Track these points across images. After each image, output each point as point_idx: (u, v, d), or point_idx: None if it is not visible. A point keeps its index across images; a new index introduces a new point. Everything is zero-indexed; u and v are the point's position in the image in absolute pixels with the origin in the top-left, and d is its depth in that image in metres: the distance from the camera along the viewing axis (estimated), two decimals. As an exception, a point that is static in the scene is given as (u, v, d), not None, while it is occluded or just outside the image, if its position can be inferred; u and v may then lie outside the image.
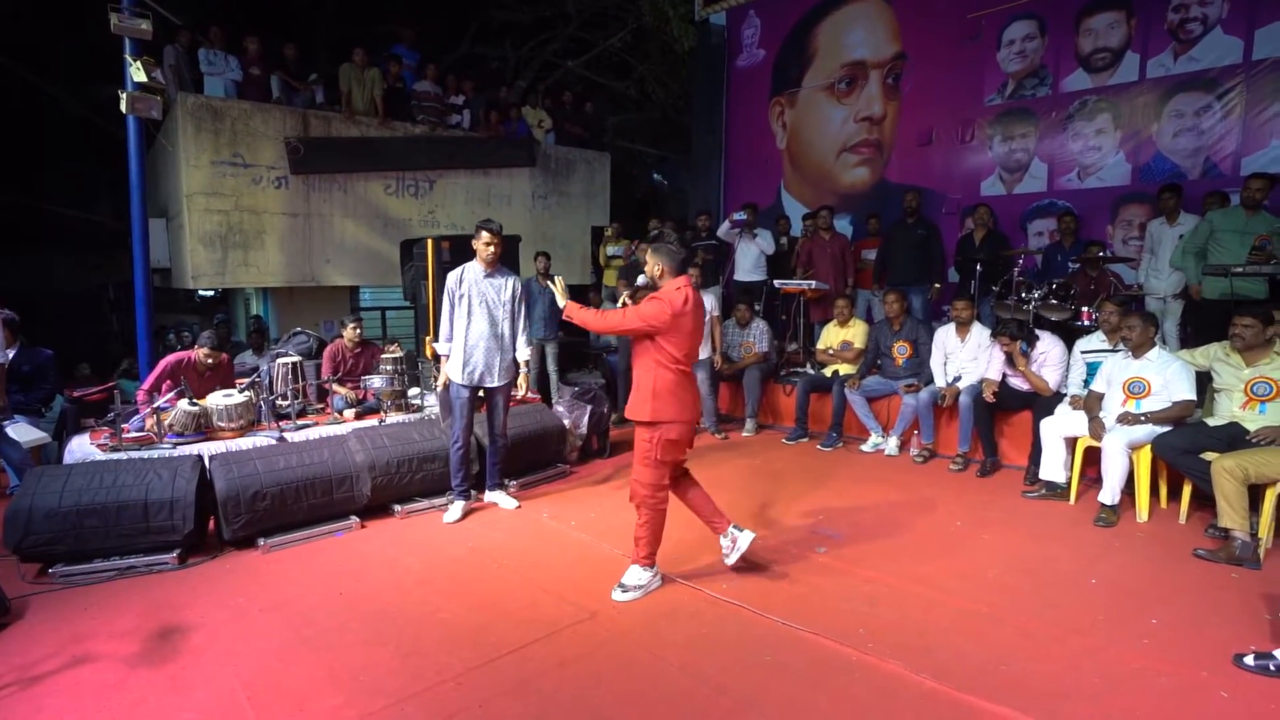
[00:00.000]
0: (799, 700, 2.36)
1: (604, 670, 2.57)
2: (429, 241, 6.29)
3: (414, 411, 5.28)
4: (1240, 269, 4.59)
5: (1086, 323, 5.20)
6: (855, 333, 6.00)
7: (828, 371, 6.04)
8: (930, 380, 5.38)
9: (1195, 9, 6.01)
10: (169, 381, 4.74)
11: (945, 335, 5.34)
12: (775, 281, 6.95)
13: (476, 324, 4.18)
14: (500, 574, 3.45)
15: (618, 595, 3.12)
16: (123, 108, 5.58)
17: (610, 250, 8.22)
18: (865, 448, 5.57)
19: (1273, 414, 3.66)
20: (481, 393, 4.29)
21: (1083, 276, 5.73)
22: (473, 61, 11.89)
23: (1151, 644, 2.68)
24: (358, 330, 5.79)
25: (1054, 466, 4.37)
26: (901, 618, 2.91)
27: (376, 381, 5.40)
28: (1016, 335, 4.76)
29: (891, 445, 5.45)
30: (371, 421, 4.94)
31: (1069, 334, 5.07)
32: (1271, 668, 2.41)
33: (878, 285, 6.88)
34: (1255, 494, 3.43)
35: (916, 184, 7.40)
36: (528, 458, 4.87)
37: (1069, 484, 4.35)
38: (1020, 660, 2.58)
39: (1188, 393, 3.93)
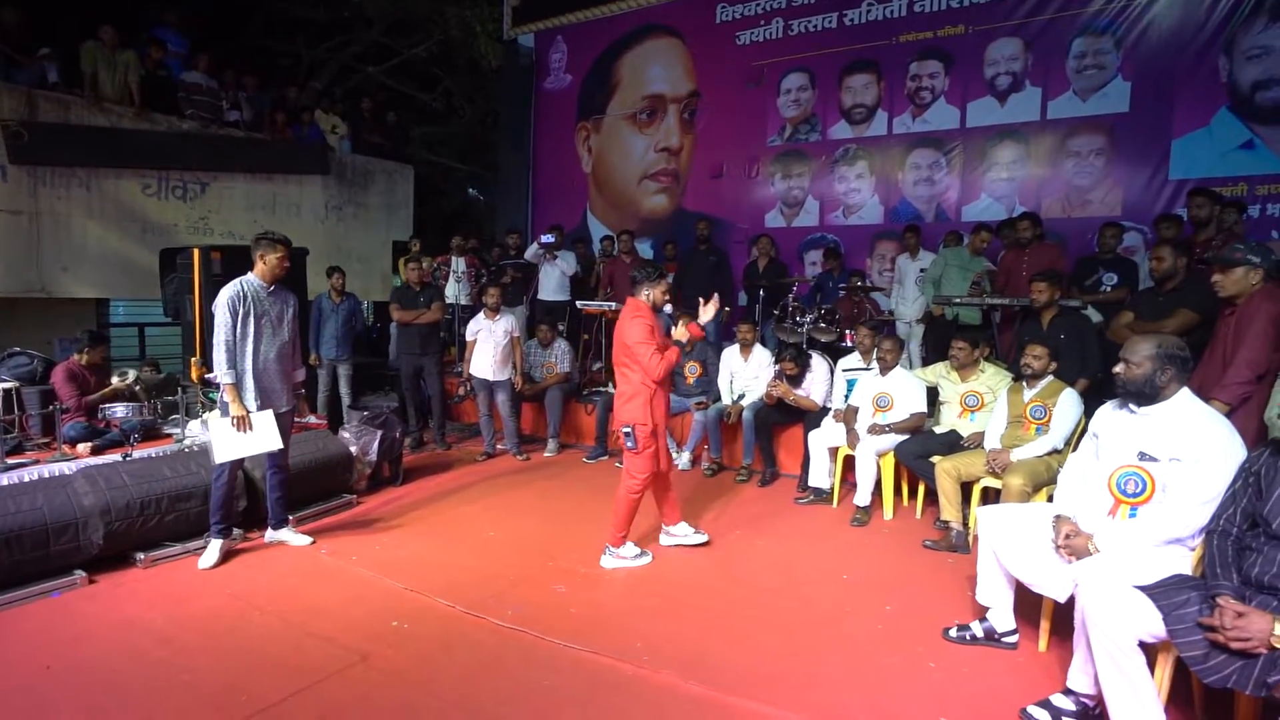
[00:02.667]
0: (573, 721, 2.38)
1: (372, 718, 2.41)
2: (195, 251, 5.62)
3: (169, 442, 4.65)
4: (959, 299, 5.46)
5: (850, 344, 5.87)
6: (652, 353, 6.25)
7: (628, 390, 6.23)
8: (718, 398, 5.76)
9: (926, 80, 7.10)
10: None
11: (730, 356, 5.76)
12: (578, 302, 7.07)
13: (265, 344, 3.78)
14: (263, 621, 3.12)
15: (608, 562, 3.74)
16: None
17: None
18: (662, 463, 5.81)
19: (980, 422, 4.37)
20: None
21: (846, 302, 6.48)
22: (256, 55, 10.85)
23: (885, 629, 3.05)
24: (102, 354, 5.03)
25: (820, 474, 4.86)
26: (679, 629, 3.05)
27: (120, 410, 4.68)
28: (795, 359, 5.24)
29: (684, 460, 5.74)
30: (114, 457, 4.28)
31: (835, 354, 5.70)
32: (968, 637, 2.86)
33: (673, 308, 7.24)
34: (967, 491, 4.07)
35: (709, 213, 7.95)
36: (308, 488, 4.48)
37: (832, 489, 4.86)
38: (779, 658, 2.81)
39: (920, 405, 4.58)
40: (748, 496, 5.05)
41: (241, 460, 3.83)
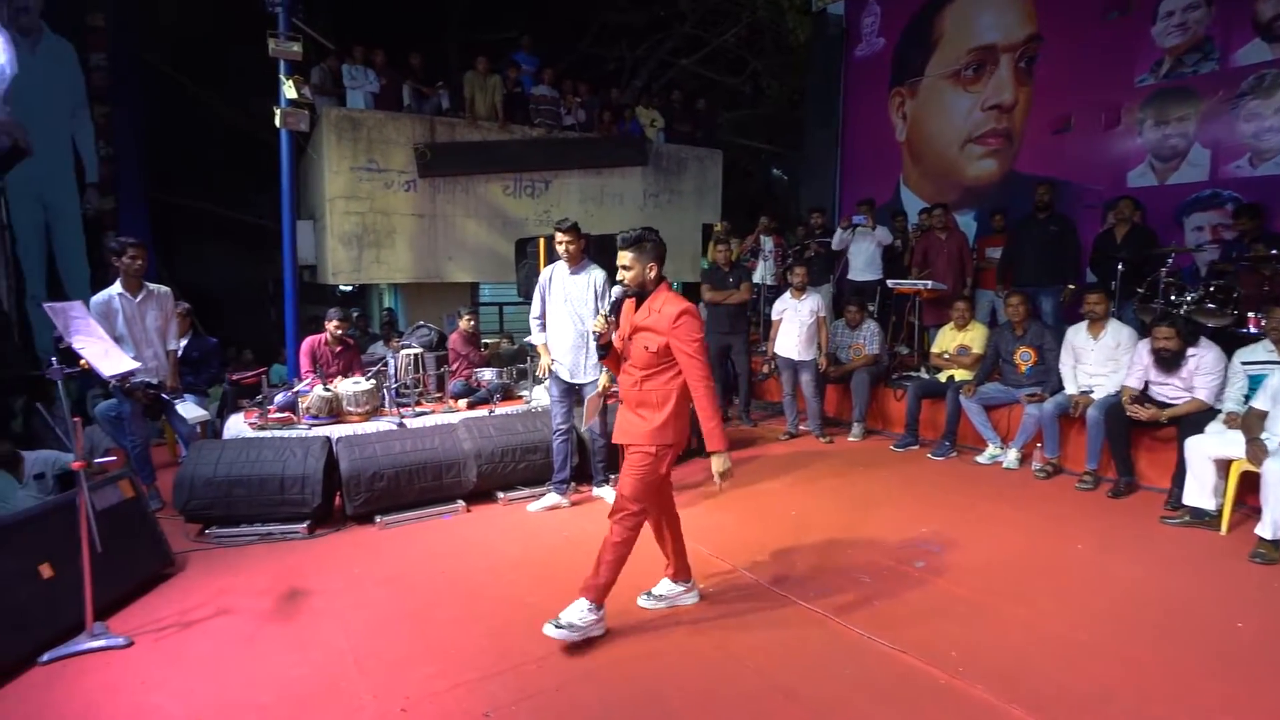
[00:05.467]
0: (874, 718, 2.28)
1: (676, 666, 2.60)
2: (541, 240, 6.54)
3: (521, 403, 5.53)
4: None
5: (1254, 329, 4.60)
6: (973, 336, 5.64)
7: (942, 377, 5.72)
8: (1058, 388, 4.96)
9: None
10: (309, 363, 5.26)
11: (1075, 334, 4.91)
12: (889, 281, 6.66)
13: (562, 322, 4.29)
14: (587, 560, 3.55)
15: (553, 632, 2.69)
16: (276, 122, 6.21)
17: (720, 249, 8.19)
18: (981, 459, 5.23)
19: None
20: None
21: (1251, 277, 5.06)
22: (589, 64, 12.20)
23: (1302, 699, 2.36)
24: (472, 321, 6.15)
25: (1201, 491, 3.91)
26: (998, 641, 2.73)
27: (487, 374, 5.71)
28: (1176, 327, 4.23)
29: (1011, 458, 5.08)
30: (481, 412, 5.23)
31: (1229, 342, 4.52)
32: None
33: (1002, 286, 6.42)
34: None
35: (1051, 175, 6.83)
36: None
37: (1219, 512, 3.88)
38: (1126, 695, 2.35)
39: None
40: (1094, 508, 4.29)
41: (571, 421, 4.37)
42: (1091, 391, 4.74)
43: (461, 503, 4.34)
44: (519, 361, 6.40)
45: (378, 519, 4.09)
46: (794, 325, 5.91)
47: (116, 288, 4.32)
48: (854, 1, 9.19)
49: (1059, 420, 4.85)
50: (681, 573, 3.08)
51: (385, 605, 3.11)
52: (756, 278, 7.59)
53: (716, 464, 2.76)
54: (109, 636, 2.79)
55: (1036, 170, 7.17)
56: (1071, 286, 6.05)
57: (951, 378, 5.62)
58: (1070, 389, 4.86)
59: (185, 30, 10.12)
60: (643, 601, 3.05)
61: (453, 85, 8.98)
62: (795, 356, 5.95)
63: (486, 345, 6.30)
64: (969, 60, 7.91)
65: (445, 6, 11.80)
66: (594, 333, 2.89)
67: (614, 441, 2.93)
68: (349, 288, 11.44)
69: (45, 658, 2.67)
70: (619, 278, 2.85)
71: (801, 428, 6.14)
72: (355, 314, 9.72)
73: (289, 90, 6.20)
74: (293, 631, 2.90)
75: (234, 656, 2.73)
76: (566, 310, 4.29)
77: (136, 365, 3.59)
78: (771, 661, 2.62)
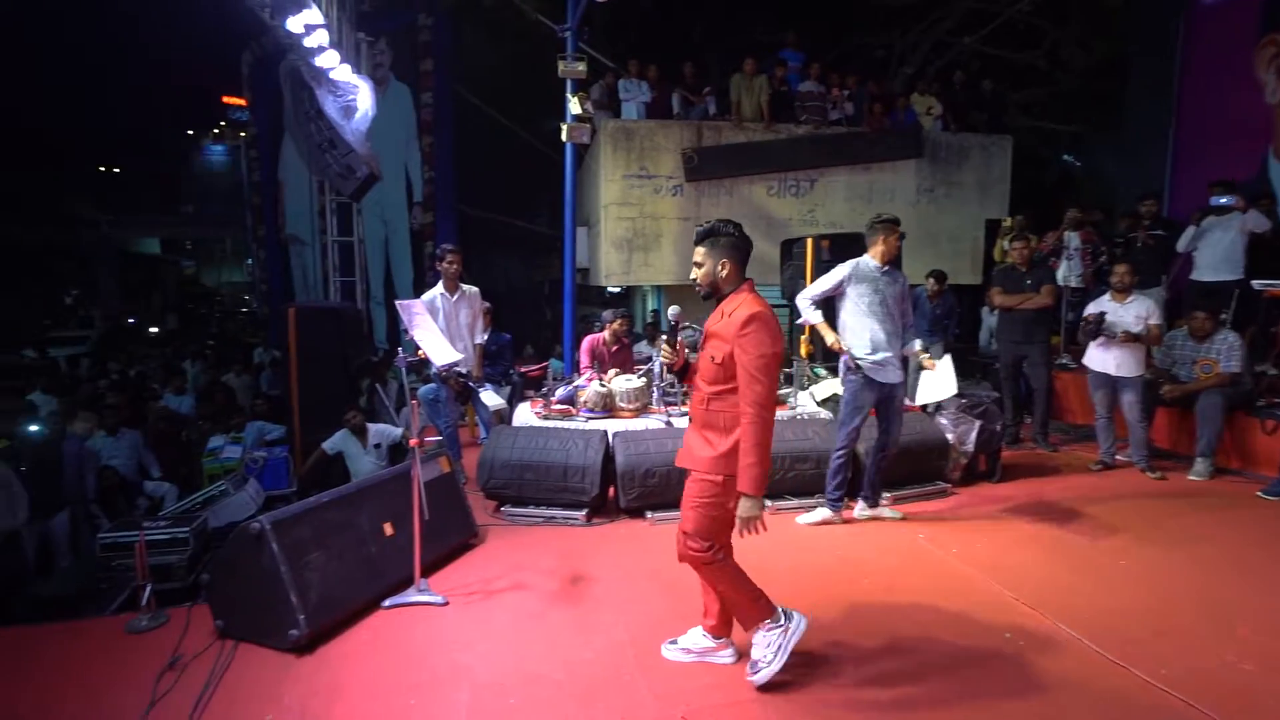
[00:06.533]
0: None
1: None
2: (808, 240, 6.30)
3: (785, 409, 5.34)
4: None
5: None
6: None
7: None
8: None
9: None
10: (588, 360, 5.62)
11: None
12: (1254, 282, 5.28)
13: (880, 317, 3.89)
14: (869, 591, 3.25)
15: (757, 677, 2.39)
16: (563, 137, 6.77)
17: (1008, 245, 7.22)
18: None
19: None
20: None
21: None
22: (856, 54, 11.57)
23: None
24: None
25: None
26: None
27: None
28: None
29: None
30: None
31: None
32: None
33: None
34: None
35: None
36: (904, 469, 4.53)
37: None
38: None
39: None
40: None
41: (858, 436, 4.05)
42: None
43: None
44: (786, 365, 6.21)
45: (648, 514, 4.18)
46: (1116, 334, 4.93)
47: (439, 288, 4.98)
48: (1204, -62, 7.52)
49: None
50: (721, 629, 2.62)
51: (659, 602, 3.13)
52: (1059, 278, 6.52)
53: (743, 508, 2.31)
54: (430, 594, 3.16)
55: None
56: None
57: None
58: None
59: (483, 60, 11.59)
60: (667, 651, 2.66)
61: (719, 90, 9.09)
62: (1113, 371, 4.96)
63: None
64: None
65: (712, 15, 12.03)
66: (663, 363, 2.52)
67: (676, 464, 2.57)
68: (617, 289, 12.22)
69: (387, 603, 3.11)
70: (691, 276, 2.54)
71: (1119, 457, 5.11)
72: (624, 314, 10.34)
73: (574, 106, 6.71)
74: (577, 615, 3.04)
75: (529, 630, 2.93)
76: (879, 309, 3.87)
77: (460, 356, 4.07)
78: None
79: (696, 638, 2.65)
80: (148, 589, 3.01)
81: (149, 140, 35.36)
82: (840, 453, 4.03)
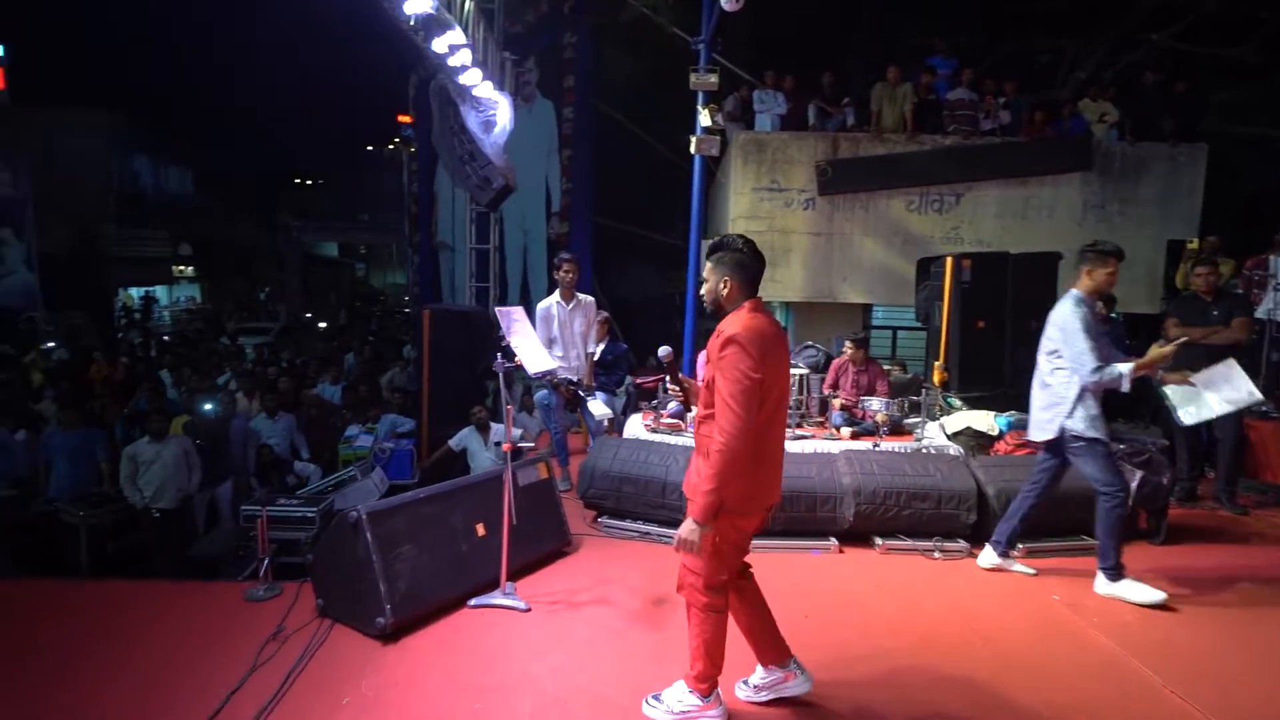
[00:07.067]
0: None
1: None
2: (948, 260, 5.81)
3: (910, 439, 4.94)
4: None
5: None
6: None
7: None
8: None
9: None
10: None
11: None
12: None
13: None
14: (986, 653, 2.88)
15: (649, 710, 2.39)
16: (691, 149, 6.72)
17: (1192, 270, 6.28)
18: None
19: None
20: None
21: None
22: (1016, 60, 10.60)
23: None
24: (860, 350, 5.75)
25: None
26: None
27: (875, 403, 5.25)
28: None
29: None
30: (865, 444, 4.80)
31: None
32: None
33: None
34: None
35: None
36: (1045, 519, 4.00)
37: None
38: None
39: None
40: None
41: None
42: None
43: (834, 541, 3.99)
44: (912, 392, 5.77)
45: (746, 539, 3.99)
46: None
47: (556, 296, 5.08)
48: None
49: None
50: (781, 653, 2.49)
51: (741, 637, 2.95)
52: (1260, 312, 5.58)
53: (684, 529, 2.23)
54: (515, 598, 3.18)
55: None
56: None
57: None
58: None
59: (623, 75, 11.83)
60: (740, 691, 2.54)
61: (859, 100, 8.67)
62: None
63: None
64: None
65: (857, 23, 11.55)
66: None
67: (684, 490, 2.42)
68: (742, 304, 11.99)
69: (472, 602, 3.16)
70: (700, 291, 2.43)
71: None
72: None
73: (705, 118, 6.64)
74: (657, 640, 2.93)
75: (605, 648, 2.86)
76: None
77: (555, 365, 4.11)
78: None
79: (762, 673, 2.53)
80: (265, 561, 3.27)
81: (334, 155, 39.93)
82: (1025, 498, 3.63)
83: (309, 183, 39.65)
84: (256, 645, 2.77)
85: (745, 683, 2.55)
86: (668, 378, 2.67)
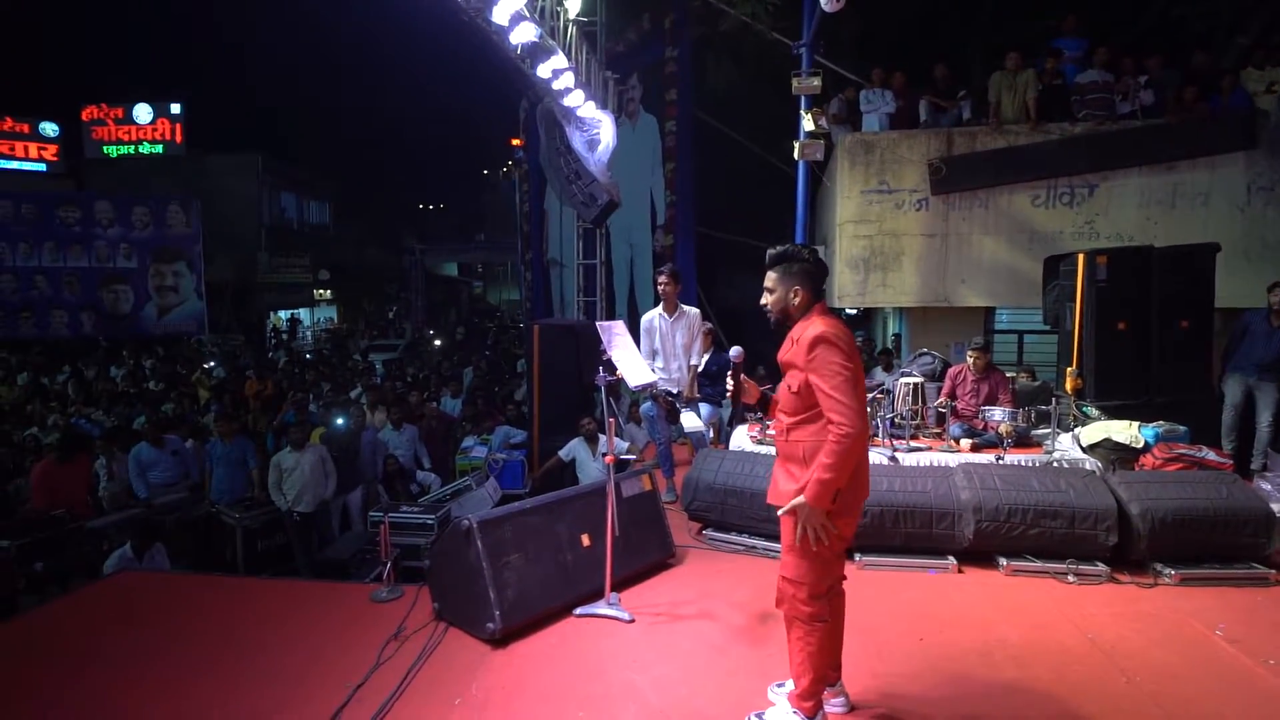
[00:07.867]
0: None
1: None
2: (1080, 256, 5.37)
3: (1039, 452, 4.57)
4: None
5: None
6: None
7: None
8: None
9: None
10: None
11: None
12: None
13: None
14: (1123, 688, 2.61)
15: None
16: (795, 154, 6.61)
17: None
18: None
19: None
20: None
21: None
22: (1161, 32, 9.61)
23: None
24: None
25: None
26: None
27: (997, 413, 4.90)
28: None
29: None
30: (987, 457, 4.49)
31: None
32: None
33: None
34: None
35: None
36: (1202, 542, 3.58)
37: None
38: None
39: None
40: None
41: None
42: None
43: (952, 560, 3.75)
44: (1040, 401, 5.35)
45: (857, 556, 3.83)
46: None
47: (659, 309, 5.12)
48: None
49: None
50: (831, 674, 2.44)
51: (854, 658, 2.82)
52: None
53: (803, 510, 2.18)
54: (619, 609, 3.22)
55: None
56: None
57: None
58: None
59: (725, 84, 11.79)
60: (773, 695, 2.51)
61: (975, 92, 8.17)
62: None
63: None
64: None
65: (973, 9, 10.93)
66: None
67: (768, 502, 2.41)
68: (854, 311, 11.61)
69: (578, 611, 3.23)
70: (762, 302, 2.39)
71: None
72: (860, 338, 9.77)
73: (808, 123, 6.52)
74: (759, 657, 2.87)
75: (707, 662, 2.83)
76: None
77: (655, 378, 4.13)
78: None
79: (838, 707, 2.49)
80: (387, 566, 3.49)
81: (453, 181, 42.67)
82: None
83: (431, 208, 42.46)
84: (379, 644, 2.95)
85: (780, 685, 2.53)
86: (729, 376, 2.66)
